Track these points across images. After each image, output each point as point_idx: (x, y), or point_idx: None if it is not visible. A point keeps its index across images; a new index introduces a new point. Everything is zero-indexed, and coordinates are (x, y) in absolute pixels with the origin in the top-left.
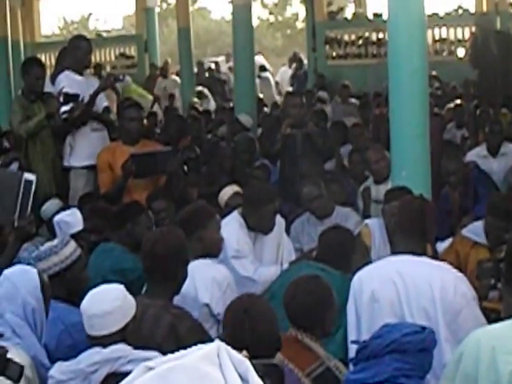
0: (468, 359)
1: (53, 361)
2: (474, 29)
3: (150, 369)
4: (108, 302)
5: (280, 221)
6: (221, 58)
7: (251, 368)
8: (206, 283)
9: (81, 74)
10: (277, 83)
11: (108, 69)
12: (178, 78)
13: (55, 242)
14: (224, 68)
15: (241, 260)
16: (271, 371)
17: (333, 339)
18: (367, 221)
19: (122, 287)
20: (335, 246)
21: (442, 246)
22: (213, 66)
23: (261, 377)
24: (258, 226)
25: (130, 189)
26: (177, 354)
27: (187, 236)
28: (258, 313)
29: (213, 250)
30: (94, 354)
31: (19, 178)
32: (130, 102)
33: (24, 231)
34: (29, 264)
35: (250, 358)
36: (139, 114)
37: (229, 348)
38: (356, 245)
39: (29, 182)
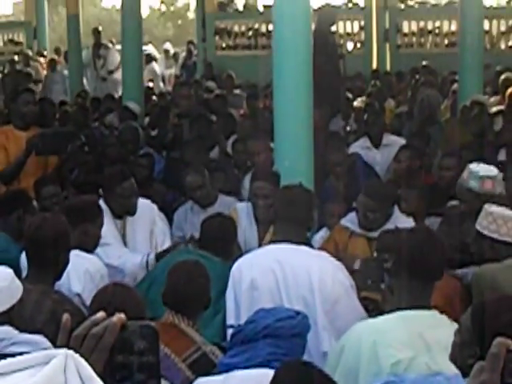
0: (349, 352)
1: None
2: (363, 22)
3: None
4: None
5: (151, 206)
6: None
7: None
8: (78, 274)
9: None
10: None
11: None
12: None
13: None
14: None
15: (103, 247)
16: (147, 332)
17: (211, 324)
18: (236, 204)
19: (9, 269)
20: (216, 233)
21: (316, 238)
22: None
23: (136, 338)
24: (120, 208)
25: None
26: (21, 360)
27: (72, 226)
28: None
29: (91, 245)
30: None
31: None
32: (23, 86)
33: None
34: None
35: (127, 320)
36: (34, 98)
37: (79, 359)
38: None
39: None
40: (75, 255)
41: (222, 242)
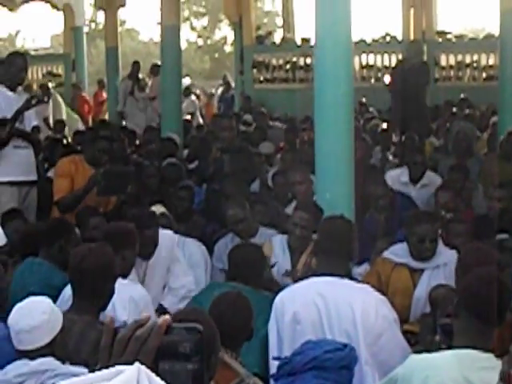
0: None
1: None
2: (401, 56)
3: None
4: (35, 317)
5: (171, 241)
6: None
7: None
8: (123, 302)
9: (13, 90)
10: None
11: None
12: None
13: None
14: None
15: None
16: (192, 335)
17: (247, 352)
18: (272, 237)
19: (48, 300)
20: (243, 261)
21: (357, 272)
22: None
23: (182, 340)
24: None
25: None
26: (94, 376)
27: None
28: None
29: (127, 271)
30: (22, 366)
31: None
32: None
33: None
34: None
35: (172, 322)
36: (110, 145)
37: (149, 372)
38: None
39: None
40: (119, 283)
41: (249, 271)
